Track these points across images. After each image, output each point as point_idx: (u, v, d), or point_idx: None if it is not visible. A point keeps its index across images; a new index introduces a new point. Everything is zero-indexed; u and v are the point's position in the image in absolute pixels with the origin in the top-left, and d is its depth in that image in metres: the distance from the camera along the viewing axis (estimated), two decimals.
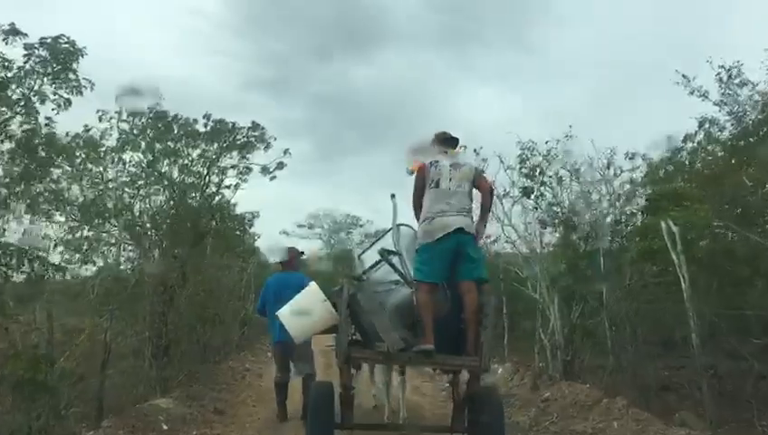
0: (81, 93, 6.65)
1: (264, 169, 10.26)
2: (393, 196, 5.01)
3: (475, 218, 4.65)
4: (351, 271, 5.43)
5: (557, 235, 8.52)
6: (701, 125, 8.58)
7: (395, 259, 4.65)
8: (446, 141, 4.74)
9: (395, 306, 4.49)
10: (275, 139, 10.20)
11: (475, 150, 8.71)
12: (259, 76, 56.67)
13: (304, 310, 4.93)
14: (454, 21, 57.21)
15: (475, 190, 4.64)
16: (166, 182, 8.78)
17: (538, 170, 8.47)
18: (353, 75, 58.04)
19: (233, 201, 15.89)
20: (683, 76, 8.05)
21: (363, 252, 5.28)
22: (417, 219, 4.67)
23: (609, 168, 8.20)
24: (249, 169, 10.13)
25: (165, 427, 6.22)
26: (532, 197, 8.40)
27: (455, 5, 59.92)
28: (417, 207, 4.66)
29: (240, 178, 10.09)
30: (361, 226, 31.15)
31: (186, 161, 9.16)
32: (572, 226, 7.95)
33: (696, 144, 9.05)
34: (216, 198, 9.64)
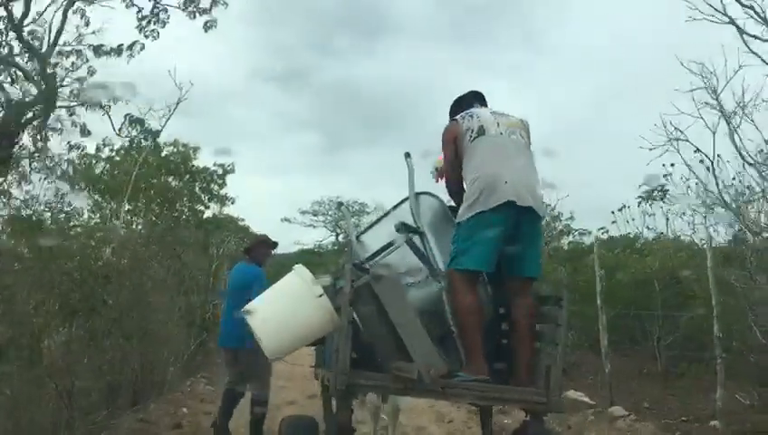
0: None
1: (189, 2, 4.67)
2: (408, 155, 3.66)
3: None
4: (349, 257, 3.58)
5: None
6: None
7: (415, 240, 3.30)
8: (475, 97, 3.54)
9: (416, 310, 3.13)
10: None
11: None
12: (266, 68, 53.19)
13: (286, 310, 3.03)
14: (462, 16, 54.45)
15: None
16: None
17: None
18: (360, 68, 56.16)
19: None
20: None
21: (364, 231, 3.77)
22: (457, 202, 3.31)
23: None
24: (160, 11, 4.68)
25: None
26: None
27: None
28: (456, 181, 3.33)
29: (145, 31, 4.68)
30: (368, 213, 27.29)
31: None
32: None
33: None
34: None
